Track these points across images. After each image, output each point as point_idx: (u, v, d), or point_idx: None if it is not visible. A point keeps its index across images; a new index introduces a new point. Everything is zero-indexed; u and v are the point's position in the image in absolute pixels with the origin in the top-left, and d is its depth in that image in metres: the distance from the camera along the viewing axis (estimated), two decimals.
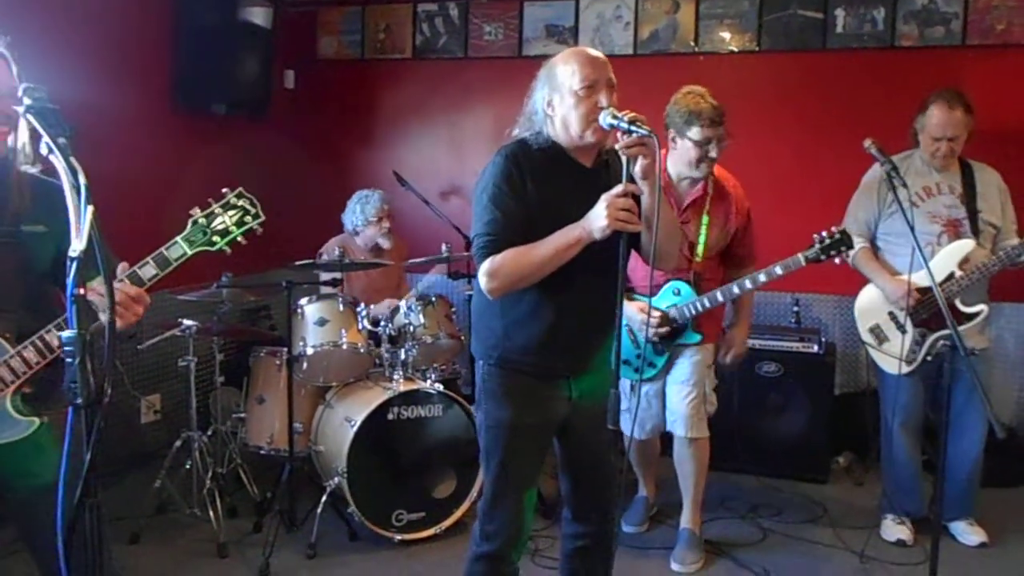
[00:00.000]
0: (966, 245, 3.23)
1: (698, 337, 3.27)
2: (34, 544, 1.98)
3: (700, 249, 3.24)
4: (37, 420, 1.87)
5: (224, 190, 1.94)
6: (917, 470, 3.50)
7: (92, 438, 1.36)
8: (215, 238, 1.90)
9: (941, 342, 3.20)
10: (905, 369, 3.31)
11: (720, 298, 3.15)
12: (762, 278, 3.07)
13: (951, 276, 3.20)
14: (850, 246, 3.00)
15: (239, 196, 1.94)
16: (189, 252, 1.89)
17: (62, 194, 1.83)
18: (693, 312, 3.18)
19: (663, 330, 3.21)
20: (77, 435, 1.37)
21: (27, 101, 1.56)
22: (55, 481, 1.59)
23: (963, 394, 3.22)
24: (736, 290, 3.12)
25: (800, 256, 3.00)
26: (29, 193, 1.91)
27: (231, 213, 1.91)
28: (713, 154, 3.14)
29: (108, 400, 1.41)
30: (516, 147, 2.22)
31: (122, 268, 1.85)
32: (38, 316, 1.88)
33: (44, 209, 1.90)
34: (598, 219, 2.04)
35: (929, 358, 3.27)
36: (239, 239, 1.93)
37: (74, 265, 1.36)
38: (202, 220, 1.89)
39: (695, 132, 3.11)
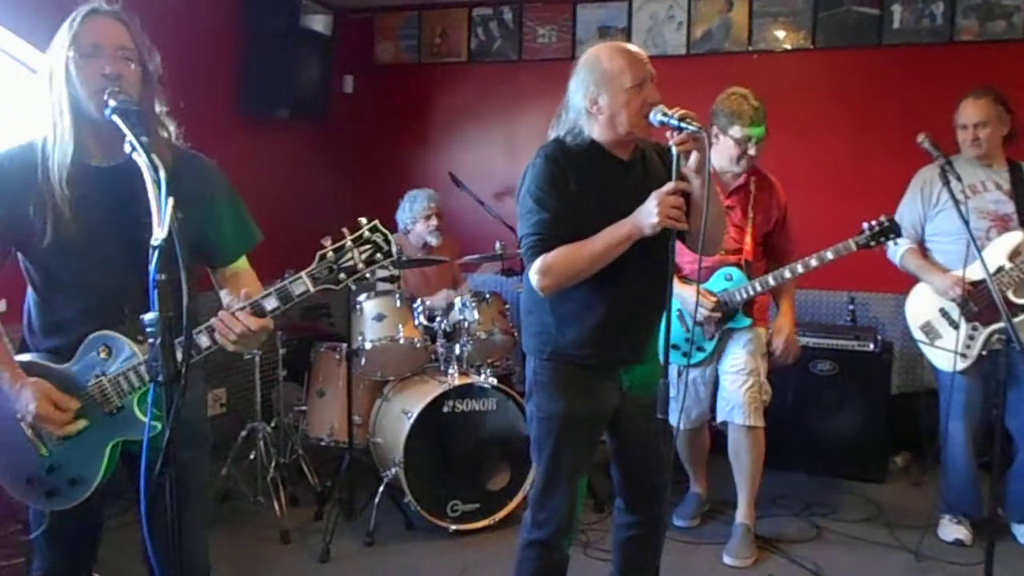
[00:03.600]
0: (1015, 237, 3.21)
1: (748, 321, 3.34)
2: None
3: (748, 237, 3.31)
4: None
5: (361, 220, 1.80)
6: (975, 471, 3.44)
7: (171, 414, 1.47)
8: (341, 275, 1.77)
9: (996, 336, 3.16)
10: (960, 365, 3.28)
11: (772, 282, 3.20)
12: (813, 262, 3.13)
13: (1000, 269, 3.17)
14: (899, 234, 3.07)
15: (373, 230, 1.78)
16: (312, 289, 1.78)
17: (196, 171, 1.92)
18: (745, 296, 3.25)
19: (716, 314, 3.26)
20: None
21: (112, 103, 1.67)
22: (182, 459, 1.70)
23: None
24: (788, 274, 3.15)
25: (851, 241, 3.09)
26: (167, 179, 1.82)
27: (362, 249, 1.77)
28: (752, 152, 3.24)
29: (185, 382, 1.51)
30: (555, 147, 2.27)
31: (244, 295, 1.81)
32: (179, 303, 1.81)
33: (178, 191, 1.79)
34: (649, 216, 2.09)
35: (984, 352, 3.23)
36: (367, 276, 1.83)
37: (156, 253, 1.46)
38: (330, 255, 1.77)
39: (736, 131, 3.22)
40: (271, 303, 1.79)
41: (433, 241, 4.30)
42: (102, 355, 1.85)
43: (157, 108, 1.93)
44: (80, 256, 1.84)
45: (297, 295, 1.79)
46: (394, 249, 1.79)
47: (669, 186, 2.09)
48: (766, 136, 3.25)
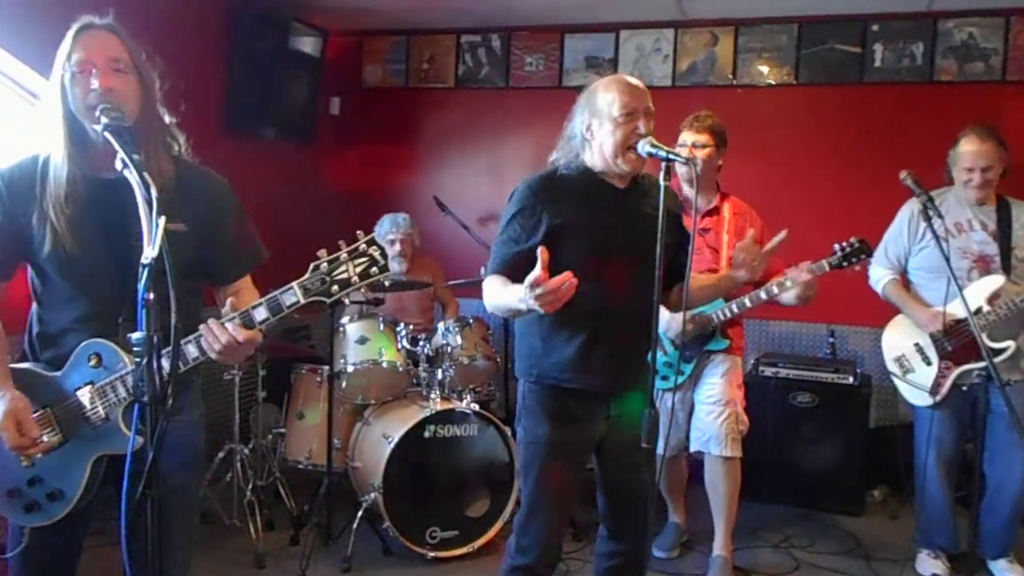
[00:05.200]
0: (995, 281, 3.21)
1: (725, 343, 3.36)
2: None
3: (724, 260, 3.34)
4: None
5: (358, 233, 1.78)
6: (950, 504, 3.45)
7: (155, 434, 1.45)
8: (334, 287, 1.73)
9: (976, 372, 3.19)
10: (930, 401, 3.31)
11: (748, 303, 3.20)
12: (788, 284, 3.11)
13: (979, 311, 3.16)
14: (869, 254, 3.05)
15: (370, 243, 1.75)
16: (303, 300, 1.74)
17: (204, 186, 1.91)
18: (722, 318, 3.26)
19: (699, 342, 3.31)
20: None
21: (104, 120, 1.67)
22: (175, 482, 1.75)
23: (1004, 427, 3.20)
24: (763, 295, 3.16)
25: (824, 262, 3.08)
26: (170, 192, 1.80)
27: (358, 262, 1.73)
28: (696, 154, 3.32)
29: (171, 402, 1.49)
30: (541, 176, 2.34)
31: (231, 305, 1.79)
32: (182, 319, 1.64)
33: (184, 205, 1.83)
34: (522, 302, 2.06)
35: (964, 387, 3.25)
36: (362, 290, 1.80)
37: (145, 272, 1.45)
38: (324, 266, 1.74)
39: (680, 138, 3.39)
40: (261, 314, 1.75)
41: (395, 267, 4.21)
42: (92, 363, 1.82)
43: (166, 119, 1.92)
44: (77, 265, 1.83)
45: (288, 306, 1.75)
46: (395, 265, 1.76)
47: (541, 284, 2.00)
48: (715, 151, 3.36)
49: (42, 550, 1.91)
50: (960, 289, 2.79)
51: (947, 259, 2.79)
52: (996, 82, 4.45)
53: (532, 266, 2.23)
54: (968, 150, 3.29)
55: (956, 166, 3.34)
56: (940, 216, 2.98)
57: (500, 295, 2.23)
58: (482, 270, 4.19)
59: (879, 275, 3.52)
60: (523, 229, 2.27)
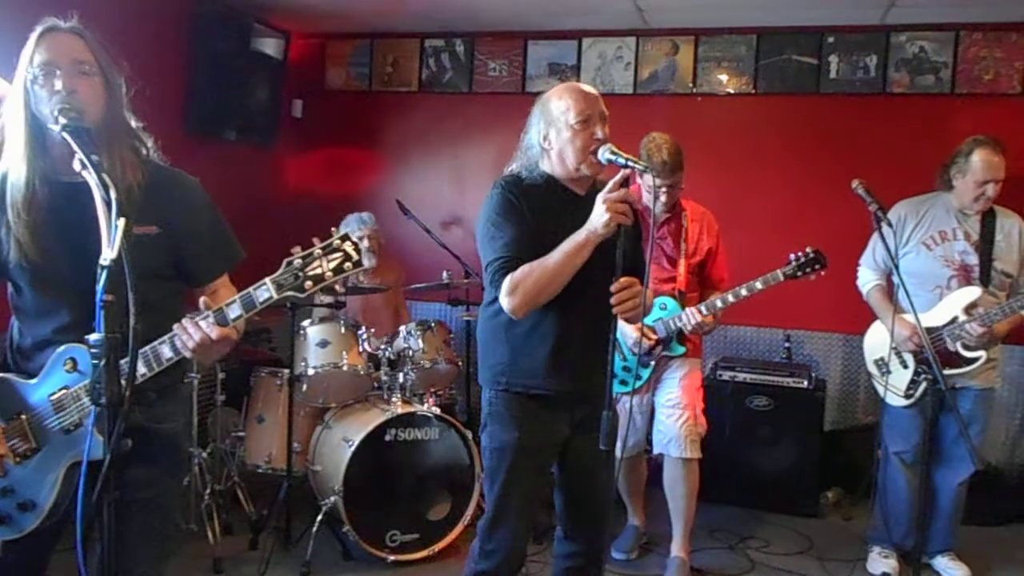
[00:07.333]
0: (973, 292, 3.27)
1: (682, 349, 3.40)
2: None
3: (682, 268, 3.39)
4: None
5: (333, 229, 1.77)
6: (912, 500, 3.50)
7: (113, 437, 1.44)
8: (307, 283, 1.70)
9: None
10: (906, 402, 3.39)
11: (704, 311, 3.25)
12: (743, 292, 3.19)
13: (954, 320, 3.26)
14: (824, 265, 3.10)
15: (344, 239, 1.75)
16: (276, 296, 1.71)
17: (175, 187, 1.89)
18: (678, 325, 3.29)
19: (656, 349, 3.34)
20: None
21: (62, 121, 1.65)
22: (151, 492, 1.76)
23: (955, 429, 3.29)
24: (719, 304, 3.22)
25: (779, 272, 3.16)
26: (139, 195, 1.81)
27: (331, 257, 1.72)
28: (663, 199, 3.32)
29: (128, 406, 1.48)
30: (509, 178, 2.35)
31: (203, 303, 1.75)
32: (152, 322, 1.63)
33: (155, 207, 1.83)
34: (600, 217, 2.11)
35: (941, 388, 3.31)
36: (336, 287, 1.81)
37: (104, 273, 1.44)
38: (297, 262, 1.71)
39: (647, 178, 3.26)
40: (235, 311, 1.73)
41: (365, 262, 4.22)
42: (67, 368, 1.79)
43: (132, 123, 1.90)
44: (46, 275, 1.80)
45: (260, 302, 1.72)
46: (365, 260, 1.75)
47: (609, 189, 2.12)
48: (681, 183, 3.36)
49: (8, 564, 1.87)
50: (912, 305, 2.84)
51: (896, 266, 2.88)
52: (946, 94, 4.57)
53: (539, 249, 2.22)
54: (984, 161, 3.25)
55: (966, 176, 3.31)
56: (890, 225, 3.06)
57: (550, 261, 2.17)
58: (444, 274, 4.27)
59: (866, 278, 3.57)
60: (517, 223, 2.26)
